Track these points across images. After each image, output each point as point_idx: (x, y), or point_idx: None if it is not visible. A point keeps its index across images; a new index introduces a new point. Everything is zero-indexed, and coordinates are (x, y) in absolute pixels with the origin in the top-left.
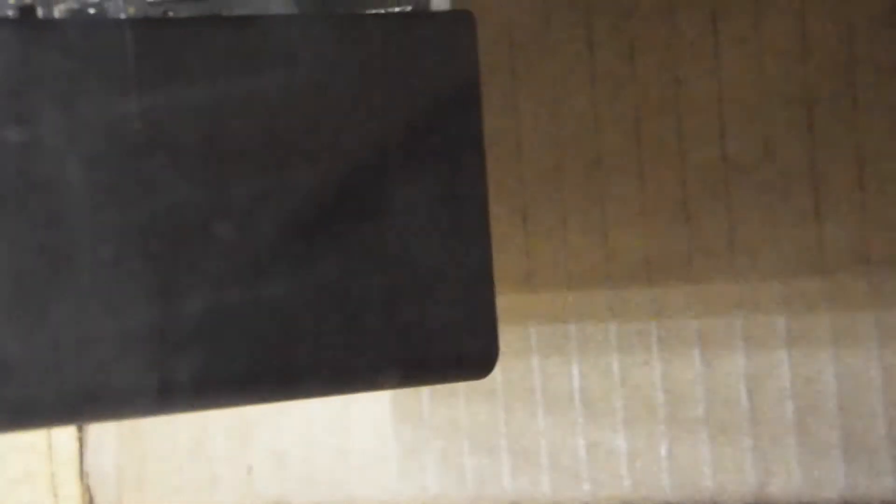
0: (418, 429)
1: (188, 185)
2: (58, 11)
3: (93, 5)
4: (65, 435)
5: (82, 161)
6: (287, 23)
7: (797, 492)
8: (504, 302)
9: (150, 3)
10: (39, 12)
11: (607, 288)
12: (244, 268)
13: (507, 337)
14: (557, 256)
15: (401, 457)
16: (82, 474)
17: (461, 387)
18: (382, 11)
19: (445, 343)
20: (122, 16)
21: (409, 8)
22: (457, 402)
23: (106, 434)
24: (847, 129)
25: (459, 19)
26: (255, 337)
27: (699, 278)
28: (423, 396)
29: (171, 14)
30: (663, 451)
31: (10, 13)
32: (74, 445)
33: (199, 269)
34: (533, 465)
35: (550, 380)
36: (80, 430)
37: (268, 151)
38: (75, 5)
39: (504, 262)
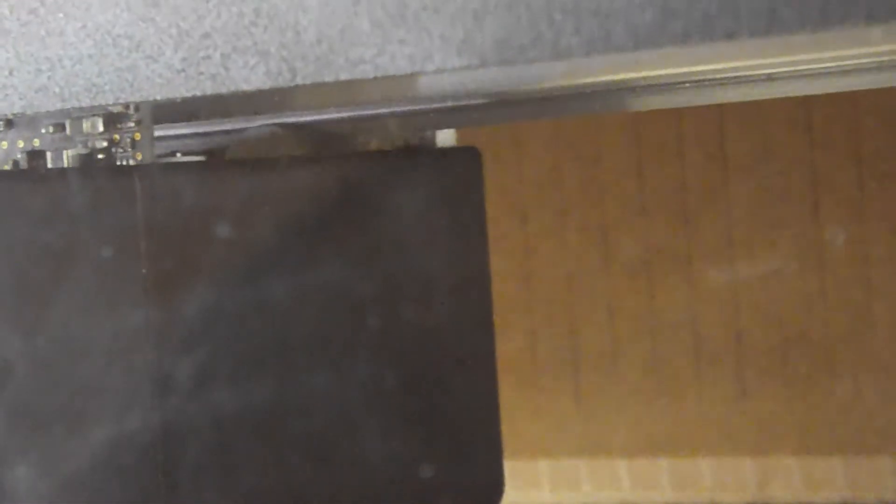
0: None
1: (209, 333)
2: (67, 157)
3: (101, 150)
4: None
5: (93, 307)
6: (296, 163)
7: (797, 492)
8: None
9: (157, 138)
10: (48, 158)
11: (607, 287)
12: (251, 403)
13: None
14: (557, 256)
15: None
16: None
17: None
18: (388, 148)
19: (451, 481)
20: (131, 162)
21: (414, 144)
22: None
23: None
24: (847, 128)
25: (465, 155)
26: (253, 471)
27: (697, 277)
28: None
29: (178, 155)
30: (663, 451)
31: (19, 157)
32: None
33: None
34: (533, 466)
35: (550, 375)
36: None
37: (281, 293)
38: (84, 150)
39: (504, 261)
